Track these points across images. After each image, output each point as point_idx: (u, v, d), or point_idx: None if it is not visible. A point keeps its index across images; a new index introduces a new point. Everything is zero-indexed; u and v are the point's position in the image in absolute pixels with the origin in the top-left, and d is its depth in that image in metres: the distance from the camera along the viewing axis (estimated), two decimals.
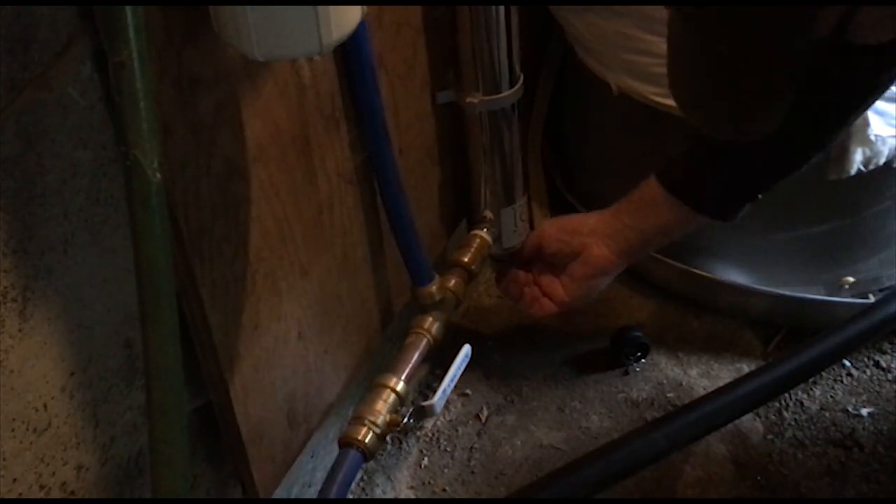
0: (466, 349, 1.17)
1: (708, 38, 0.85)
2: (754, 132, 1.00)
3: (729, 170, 1.03)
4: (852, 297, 1.32)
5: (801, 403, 1.25)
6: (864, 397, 1.26)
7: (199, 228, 0.77)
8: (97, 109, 0.66)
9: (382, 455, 1.22)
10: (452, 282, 1.15)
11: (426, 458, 1.22)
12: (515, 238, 1.23)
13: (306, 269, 0.93)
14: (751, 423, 1.23)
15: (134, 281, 0.66)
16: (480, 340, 1.34)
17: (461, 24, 1.07)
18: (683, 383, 1.29)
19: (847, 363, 1.29)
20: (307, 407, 0.98)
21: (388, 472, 1.21)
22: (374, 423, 1.01)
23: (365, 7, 0.74)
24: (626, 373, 1.31)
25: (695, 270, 1.34)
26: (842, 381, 1.28)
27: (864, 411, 1.24)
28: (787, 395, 1.25)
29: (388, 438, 1.21)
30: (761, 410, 1.24)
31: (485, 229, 1.22)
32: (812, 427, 1.23)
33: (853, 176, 1.19)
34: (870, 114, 1.14)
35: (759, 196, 1.06)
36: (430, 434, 1.25)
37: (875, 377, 1.28)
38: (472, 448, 1.23)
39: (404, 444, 1.23)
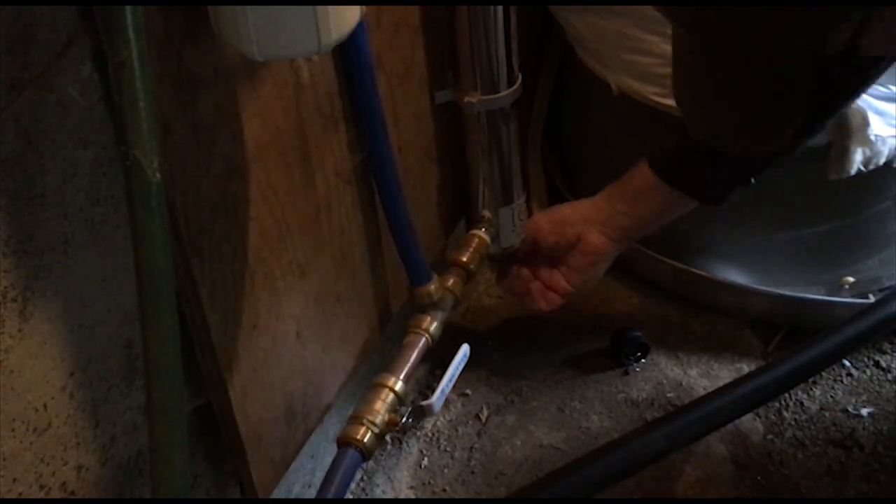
0: (465, 349, 1.17)
1: (719, 61, 0.85)
2: (768, 152, 1.00)
3: (721, 156, 1.04)
4: (852, 297, 1.32)
5: (801, 403, 1.25)
6: (864, 397, 1.26)
7: (198, 228, 0.77)
8: (97, 109, 0.66)
9: (382, 455, 1.22)
10: (451, 281, 1.15)
11: (426, 458, 1.22)
12: (514, 237, 1.23)
13: (305, 268, 0.93)
14: (751, 423, 1.23)
15: (134, 281, 0.66)
16: (480, 340, 1.34)
17: (459, 24, 1.07)
18: (683, 383, 1.29)
19: (847, 363, 1.29)
20: (306, 406, 0.98)
21: (388, 472, 1.21)
22: (373, 423, 1.01)
23: (364, 7, 0.74)
24: (626, 373, 1.31)
25: (695, 270, 1.34)
26: (842, 381, 1.28)
27: (864, 411, 1.24)
28: (787, 395, 1.25)
29: (387, 438, 1.22)
30: (761, 410, 1.24)
31: (483, 229, 1.22)
32: (812, 427, 1.23)
33: (853, 176, 1.19)
34: (870, 114, 1.14)
35: (752, 181, 1.06)
36: (430, 434, 1.25)
37: (875, 377, 1.28)
38: (472, 448, 1.23)
39: (404, 444, 1.23)
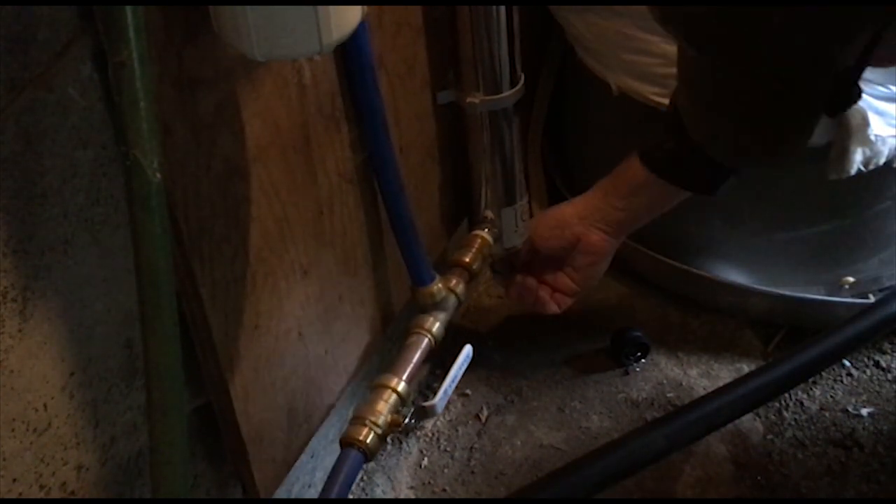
0: (468, 349, 1.17)
1: (730, 82, 0.85)
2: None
3: None
4: (852, 297, 1.32)
5: (801, 403, 1.25)
6: (864, 397, 1.26)
7: (199, 228, 0.77)
8: (97, 109, 0.66)
9: (382, 455, 1.22)
10: (453, 282, 1.15)
11: (426, 458, 1.22)
12: (516, 238, 1.22)
13: (306, 268, 0.93)
14: (751, 423, 1.23)
15: (134, 281, 0.66)
16: (480, 340, 1.34)
17: (461, 24, 1.07)
18: (683, 383, 1.29)
19: (847, 363, 1.29)
20: (308, 407, 0.98)
21: (388, 472, 1.21)
22: (376, 424, 1.01)
23: (365, 7, 0.74)
24: (626, 373, 1.31)
25: (695, 270, 1.34)
26: (842, 381, 1.28)
27: (864, 411, 1.24)
28: (787, 395, 1.25)
29: (388, 439, 1.22)
30: (761, 410, 1.23)
31: (486, 229, 1.22)
32: (812, 427, 1.23)
33: (853, 176, 1.19)
34: (870, 114, 1.14)
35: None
36: (430, 434, 1.25)
37: (875, 377, 1.28)
38: (472, 448, 1.23)
39: (404, 445, 1.23)
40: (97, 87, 0.66)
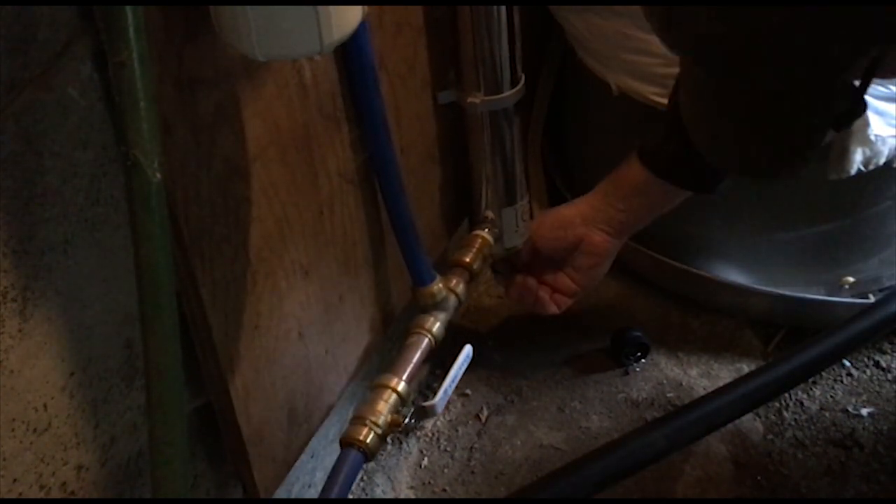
0: (468, 349, 1.17)
1: (738, 99, 0.84)
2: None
3: None
4: (852, 297, 1.32)
5: (801, 403, 1.25)
6: (864, 397, 1.26)
7: (199, 228, 0.77)
8: (97, 109, 0.66)
9: (382, 455, 1.22)
10: (453, 282, 1.15)
11: (426, 458, 1.22)
12: (517, 238, 1.22)
13: (307, 268, 0.93)
14: (751, 423, 1.23)
15: (134, 281, 0.66)
16: (480, 340, 1.34)
17: (462, 24, 1.07)
18: (683, 383, 1.29)
19: (847, 363, 1.29)
20: (308, 407, 0.98)
21: (388, 472, 1.21)
22: (376, 424, 1.01)
23: (366, 7, 0.74)
24: (626, 373, 1.31)
25: (695, 270, 1.34)
26: (842, 381, 1.28)
27: (864, 411, 1.24)
28: (787, 395, 1.25)
29: (388, 438, 1.22)
30: (761, 410, 1.24)
31: (486, 229, 1.22)
32: (812, 427, 1.23)
33: (853, 176, 1.19)
34: (870, 114, 1.14)
35: None
36: (430, 434, 1.25)
37: (875, 377, 1.28)
38: (472, 448, 1.23)
39: (404, 445, 1.23)
40: (97, 87, 0.66)
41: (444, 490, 1.19)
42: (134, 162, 0.62)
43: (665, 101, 1.19)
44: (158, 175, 0.63)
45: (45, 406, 0.68)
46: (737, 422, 1.18)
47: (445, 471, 1.21)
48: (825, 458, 1.19)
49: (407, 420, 1.06)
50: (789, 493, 1.16)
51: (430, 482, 1.20)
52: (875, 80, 0.83)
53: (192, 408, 0.85)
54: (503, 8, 1.06)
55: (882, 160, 1.19)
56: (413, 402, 1.11)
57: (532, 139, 1.47)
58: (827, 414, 1.24)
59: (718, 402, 1.09)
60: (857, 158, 1.18)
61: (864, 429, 1.22)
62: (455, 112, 1.14)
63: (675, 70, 0.95)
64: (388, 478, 1.20)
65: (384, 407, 1.03)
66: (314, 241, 0.93)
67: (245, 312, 0.85)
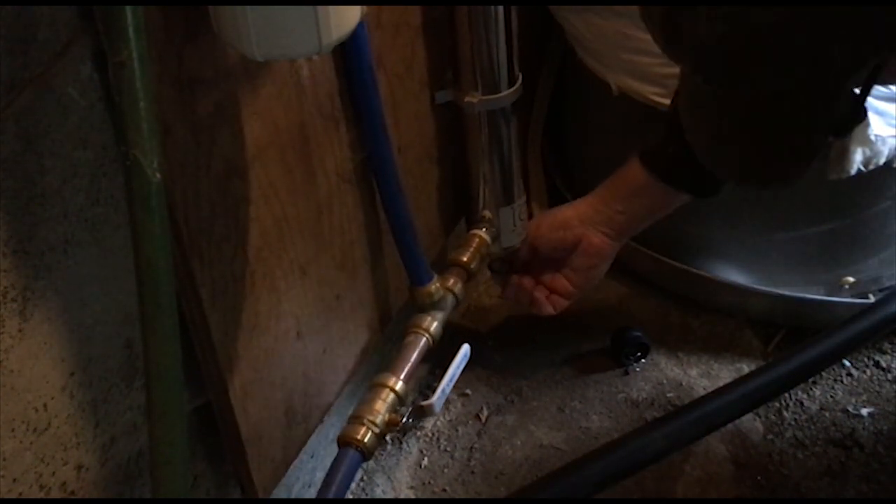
0: (465, 349, 1.17)
1: (738, 107, 0.84)
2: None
3: None
4: (852, 297, 1.32)
5: (801, 403, 1.25)
6: (864, 397, 1.26)
7: (198, 228, 0.77)
8: (97, 109, 0.66)
9: (382, 455, 1.22)
10: (451, 281, 1.15)
11: (426, 458, 1.22)
12: (514, 237, 1.22)
13: (305, 268, 0.93)
14: (751, 423, 1.23)
15: (134, 281, 0.66)
16: (480, 340, 1.34)
17: (460, 24, 1.07)
18: (683, 383, 1.29)
19: (847, 363, 1.29)
20: (306, 406, 0.98)
21: (388, 472, 1.21)
22: (374, 423, 1.01)
23: (364, 7, 0.74)
24: (626, 373, 1.31)
25: (695, 270, 1.34)
26: (842, 381, 1.28)
27: (864, 411, 1.24)
28: (787, 395, 1.25)
29: (387, 438, 1.22)
30: (761, 410, 1.23)
31: (484, 229, 1.22)
32: (812, 427, 1.23)
33: (853, 176, 1.19)
34: (870, 114, 1.14)
35: None
36: (430, 434, 1.25)
37: (875, 377, 1.28)
38: (472, 448, 1.23)
39: (404, 444, 1.23)
40: (97, 87, 0.66)
41: (444, 490, 1.19)
42: (134, 162, 0.62)
43: (665, 101, 1.19)
44: (158, 175, 0.63)
45: (45, 406, 0.68)
46: (737, 422, 1.18)
47: (445, 471, 1.21)
48: (825, 458, 1.19)
49: (405, 419, 1.06)
50: (789, 493, 1.16)
51: (430, 482, 1.20)
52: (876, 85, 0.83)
53: (191, 408, 0.85)
54: (501, 8, 1.06)
55: (882, 160, 1.19)
56: (411, 402, 1.11)
57: (532, 139, 1.47)
58: (827, 414, 1.24)
59: (718, 402, 1.09)
60: (857, 158, 1.18)
61: (864, 429, 1.22)
62: (453, 112, 1.14)
63: (675, 70, 0.95)
64: (388, 478, 1.20)
65: (382, 406, 1.03)
66: (312, 241, 0.93)
67: (244, 312, 0.85)
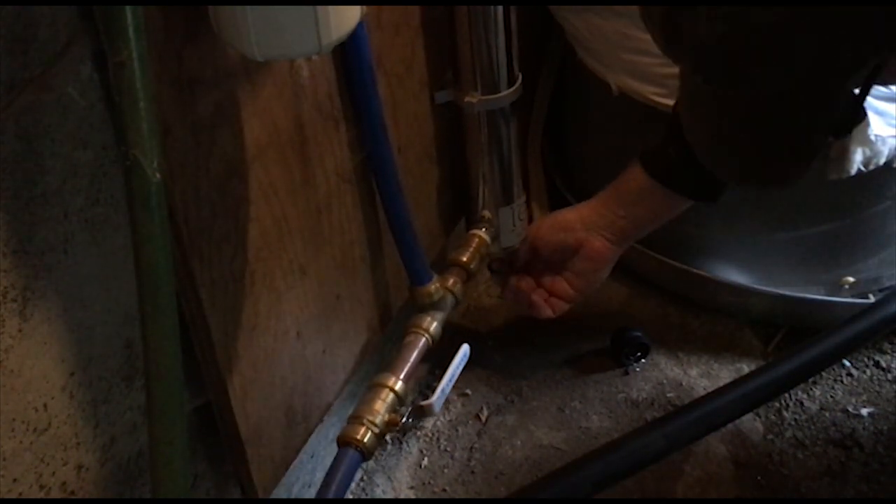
0: (465, 349, 1.17)
1: (737, 108, 0.84)
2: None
3: None
4: (852, 297, 1.32)
5: (801, 403, 1.25)
6: (864, 397, 1.26)
7: (198, 228, 0.77)
8: (97, 109, 0.67)
9: (382, 455, 1.22)
10: (451, 281, 1.15)
11: (426, 458, 1.22)
12: (514, 237, 1.23)
13: (305, 268, 0.93)
14: (751, 423, 1.23)
15: (134, 281, 0.66)
16: (480, 340, 1.34)
17: (459, 24, 1.07)
18: (683, 383, 1.29)
19: (847, 363, 1.29)
20: (306, 406, 0.98)
21: (388, 472, 1.21)
22: (373, 423, 1.01)
23: (364, 7, 0.74)
24: (626, 373, 1.31)
25: (695, 270, 1.34)
26: (842, 381, 1.28)
27: (864, 411, 1.24)
28: (787, 395, 1.25)
29: (387, 438, 1.22)
30: (761, 410, 1.23)
31: (483, 228, 1.22)
32: (812, 427, 1.23)
33: (853, 176, 1.19)
34: (870, 114, 1.14)
35: None
36: (430, 434, 1.25)
37: (875, 377, 1.28)
38: (472, 448, 1.23)
39: (404, 444, 1.23)
40: (97, 87, 0.66)
41: (444, 490, 1.19)
42: (134, 162, 0.63)
43: (665, 101, 1.19)
44: (158, 175, 0.63)
45: (45, 406, 0.68)
46: (737, 422, 1.18)
47: (445, 471, 1.21)
48: (825, 458, 1.19)
49: (405, 419, 1.06)
50: (789, 493, 1.16)
51: (430, 482, 1.20)
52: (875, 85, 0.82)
53: (191, 408, 0.85)
54: (500, 8, 1.06)
55: (882, 160, 1.19)
56: (411, 402, 1.11)
57: (532, 139, 1.47)
58: (827, 414, 1.24)
59: (718, 402, 1.09)
60: (857, 158, 1.18)
61: (864, 429, 1.22)
62: (452, 111, 1.14)
63: (675, 70, 0.95)
64: (388, 478, 1.20)
65: (382, 406, 1.03)
66: (312, 241, 0.93)
67: (243, 312, 0.85)
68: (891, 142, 1.17)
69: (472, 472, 1.20)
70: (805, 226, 1.29)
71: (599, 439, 1.21)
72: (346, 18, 0.70)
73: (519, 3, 1.10)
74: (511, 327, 1.38)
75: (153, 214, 0.64)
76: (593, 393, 1.29)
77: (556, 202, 1.42)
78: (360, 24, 0.76)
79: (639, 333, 1.32)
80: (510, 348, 1.35)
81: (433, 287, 1.11)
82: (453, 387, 1.16)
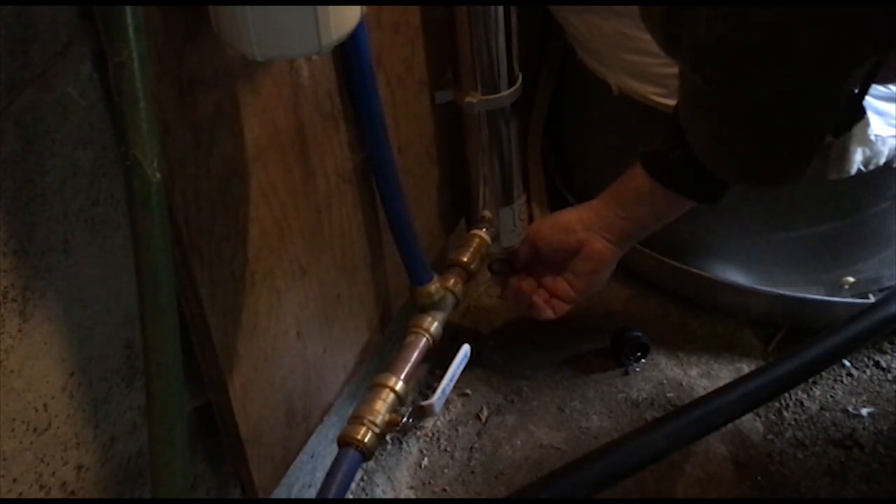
0: (465, 349, 1.17)
1: (736, 107, 0.84)
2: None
3: None
4: (852, 297, 1.32)
5: (801, 403, 1.25)
6: (864, 397, 1.26)
7: (198, 228, 0.77)
8: (97, 109, 0.67)
9: (382, 455, 1.22)
10: (451, 281, 1.15)
11: (426, 458, 1.22)
12: (514, 237, 1.22)
13: (305, 268, 0.93)
14: (751, 423, 1.23)
15: (134, 281, 0.66)
16: (480, 340, 1.34)
17: (460, 24, 1.07)
18: (683, 383, 1.29)
19: (847, 363, 1.29)
20: (306, 406, 0.98)
21: (388, 472, 1.21)
22: (374, 423, 1.01)
23: (364, 7, 0.74)
24: (626, 373, 1.31)
25: (695, 270, 1.34)
26: (842, 381, 1.28)
27: (864, 411, 1.24)
28: (787, 395, 1.25)
29: (387, 438, 1.22)
30: (761, 410, 1.23)
31: (483, 229, 1.22)
32: (812, 427, 1.23)
33: (853, 176, 1.19)
34: (870, 114, 1.14)
35: None
36: (430, 434, 1.25)
37: (875, 377, 1.28)
38: (472, 448, 1.23)
39: (404, 444, 1.23)
40: (97, 87, 0.66)
41: (444, 490, 1.19)
42: (134, 162, 0.63)
43: (665, 101, 1.19)
44: (158, 175, 0.63)
45: (45, 406, 0.68)
46: (737, 422, 1.18)
47: (445, 471, 1.21)
48: (825, 458, 1.19)
49: (405, 419, 1.06)
50: (789, 493, 1.16)
51: (430, 482, 1.20)
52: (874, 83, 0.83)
53: (191, 408, 0.85)
54: (500, 8, 1.06)
55: (882, 160, 1.19)
56: (412, 402, 1.10)
57: (532, 139, 1.47)
58: (827, 414, 1.24)
59: (718, 402, 1.09)
60: (857, 158, 1.18)
61: (864, 429, 1.22)
62: (452, 111, 1.14)
63: (675, 70, 0.95)
64: (388, 478, 1.20)
65: (382, 406, 1.03)
66: (312, 241, 0.93)
67: (244, 312, 0.85)
68: (891, 142, 1.17)
69: (472, 472, 1.20)
70: (805, 226, 1.29)
71: (599, 439, 1.21)
72: (346, 18, 0.70)
73: (519, 3, 1.10)
74: (511, 327, 1.38)
75: (153, 214, 0.64)
76: (593, 393, 1.29)
77: (556, 202, 1.43)
78: (360, 24, 0.76)
79: (639, 333, 1.32)
80: (510, 348, 1.35)
81: (433, 287, 1.11)
82: (453, 387, 1.16)
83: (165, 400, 0.68)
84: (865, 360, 1.30)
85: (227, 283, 0.82)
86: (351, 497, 1.17)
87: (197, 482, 0.89)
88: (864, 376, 1.28)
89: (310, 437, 1.01)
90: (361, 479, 1.20)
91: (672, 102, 1.07)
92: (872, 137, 1.16)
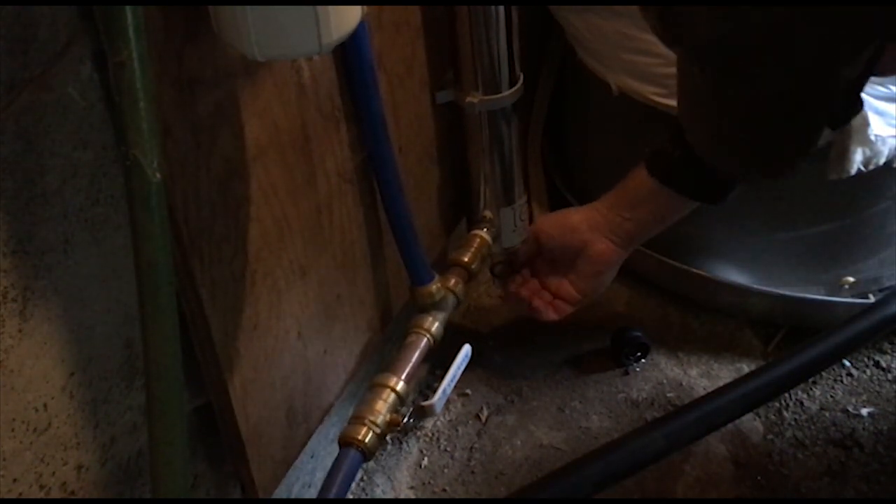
0: (466, 349, 1.17)
1: (734, 96, 0.84)
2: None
3: None
4: (852, 297, 1.32)
5: (801, 403, 1.25)
6: (864, 397, 1.26)
7: (198, 228, 0.77)
8: (97, 109, 0.67)
9: (382, 455, 1.22)
10: (452, 281, 1.15)
11: (426, 458, 1.22)
12: (515, 237, 1.22)
13: (305, 268, 0.93)
14: (751, 423, 1.23)
15: (134, 281, 0.66)
16: (480, 340, 1.34)
17: (460, 24, 1.07)
18: (683, 383, 1.29)
19: (847, 363, 1.29)
20: (307, 406, 0.98)
21: (388, 472, 1.21)
22: (374, 423, 1.01)
23: (364, 7, 0.74)
24: (626, 373, 1.31)
25: (695, 270, 1.34)
26: (842, 381, 1.28)
27: (864, 411, 1.24)
28: (787, 395, 1.25)
29: (388, 438, 1.21)
30: (761, 410, 1.23)
31: (484, 229, 1.22)
32: (812, 427, 1.23)
33: (853, 176, 1.19)
34: (870, 114, 1.14)
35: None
36: (430, 434, 1.25)
37: (875, 377, 1.28)
38: (472, 448, 1.23)
39: (404, 444, 1.23)
40: (97, 87, 0.66)
41: (444, 490, 1.19)
42: (134, 162, 0.62)
43: (665, 101, 1.19)
44: (158, 175, 0.63)
45: (45, 406, 0.68)
46: (737, 422, 1.18)
47: (445, 471, 1.21)
48: (825, 458, 1.19)
49: (406, 419, 1.06)
50: (789, 493, 1.16)
51: (430, 482, 1.20)
52: (874, 79, 0.83)
53: (192, 408, 0.85)
54: (501, 8, 1.06)
55: (882, 160, 1.19)
56: (412, 402, 1.10)
57: (532, 139, 1.47)
58: (827, 414, 1.24)
59: (718, 402, 1.09)
60: (857, 158, 1.18)
61: (864, 429, 1.22)
62: (453, 112, 1.14)
63: (675, 70, 0.95)
64: (388, 478, 1.20)
65: (383, 406, 1.03)
66: (313, 241, 0.93)
67: (244, 312, 0.85)
68: (891, 142, 1.17)
69: (472, 472, 1.20)
70: (805, 226, 1.29)
71: (599, 439, 1.21)
72: (347, 18, 0.70)
73: (519, 3, 1.10)
74: (511, 327, 1.38)
75: (153, 214, 0.64)
76: (593, 393, 1.29)
77: (556, 202, 1.43)
78: (360, 24, 0.75)
79: (639, 333, 1.32)
80: (510, 348, 1.35)
81: (434, 287, 1.11)
82: (454, 387, 1.16)
83: (165, 400, 0.68)
84: (865, 360, 1.30)
85: (227, 283, 0.82)
86: (351, 497, 1.17)
87: (197, 482, 0.90)
88: (864, 376, 1.28)
89: (310, 437, 1.01)
90: (361, 479, 1.20)
91: (672, 103, 1.07)
92: (872, 137, 1.16)
